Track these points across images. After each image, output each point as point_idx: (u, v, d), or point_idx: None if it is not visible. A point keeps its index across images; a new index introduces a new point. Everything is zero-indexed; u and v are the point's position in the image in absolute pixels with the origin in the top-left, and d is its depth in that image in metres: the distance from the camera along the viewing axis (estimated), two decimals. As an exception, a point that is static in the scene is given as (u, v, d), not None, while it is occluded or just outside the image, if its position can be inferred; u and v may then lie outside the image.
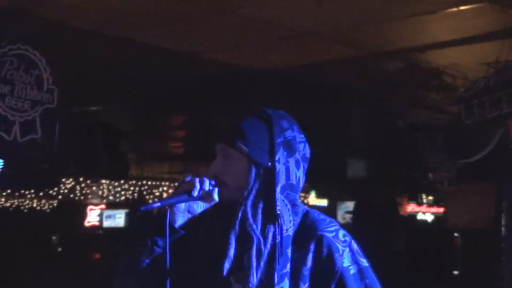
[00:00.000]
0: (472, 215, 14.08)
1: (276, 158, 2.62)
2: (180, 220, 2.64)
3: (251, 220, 2.58)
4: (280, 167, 2.62)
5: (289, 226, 2.59)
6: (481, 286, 12.29)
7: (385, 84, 10.26)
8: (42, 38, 8.36)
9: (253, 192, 2.62)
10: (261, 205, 2.61)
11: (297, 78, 10.06)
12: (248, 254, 2.56)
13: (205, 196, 2.62)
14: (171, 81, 10.38)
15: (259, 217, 2.59)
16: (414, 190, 18.64)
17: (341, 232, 2.64)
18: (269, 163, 2.62)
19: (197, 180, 2.62)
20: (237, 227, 2.59)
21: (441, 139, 9.70)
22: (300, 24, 7.96)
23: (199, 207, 2.66)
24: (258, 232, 2.58)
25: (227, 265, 2.58)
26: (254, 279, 2.55)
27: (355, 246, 2.65)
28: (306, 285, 2.56)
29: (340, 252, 2.58)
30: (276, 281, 2.52)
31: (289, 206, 2.64)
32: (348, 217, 19.14)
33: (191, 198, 2.61)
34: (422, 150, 11.25)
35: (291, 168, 2.65)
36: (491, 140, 7.51)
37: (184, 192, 2.61)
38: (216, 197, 2.64)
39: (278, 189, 2.60)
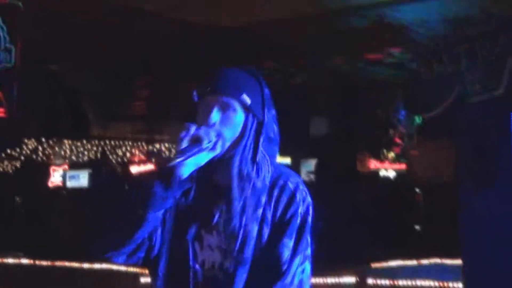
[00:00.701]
0: (433, 171, 14.25)
1: (265, 111, 2.79)
2: (186, 172, 2.68)
3: (235, 169, 2.73)
4: (267, 120, 2.79)
5: (266, 175, 2.76)
6: (443, 241, 12.43)
7: (347, 41, 10.26)
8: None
9: (247, 143, 2.77)
10: (247, 155, 2.76)
11: (260, 36, 10.02)
12: (227, 203, 2.72)
13: (211, 147, 2.69)
14: (133, 41, 10.31)
15: (245, 165, 2.75)
16: (376, 147, 18.76)
17: (301, 186, 2.80)
18: (261, 116, 2.78)
19: (202, 131, 2.68)
20: (221, 176, 2.74)
21: (400, 95, 9.76)
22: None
23: (204, 158, 2.70)
24: (237, 179, 2.73)
25: (207, 212, 2.75)
26: (235, 224, 2.71)
27: (308, 200, 2.80)
28: (268, 228, 2.73)
29: (297, 200, 2.76)
30: (243, 223, 2.71)
31: (267, 157, 2.79)
32: (311, 175, 19.21)
33: (202, 149, 2.66)
34: (382, 107, 11.31)
35: (270, 122, 2.82)
36: (449, 96, 7.56)
37: (195, 144, 2.65)
38: (219, 148, 2.72)
39: (261, 140, 2.77)
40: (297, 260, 2.75)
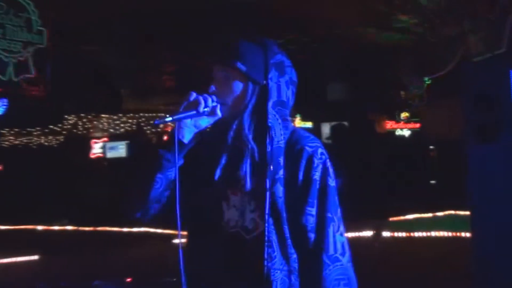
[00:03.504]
0: (444, 129, 14.14)
1: (269, 76, 2.74)
2: (187, 135, 2.71)
3: (246, 131, 2.71)
4: (272, 85, 2.73)
5: (280, 138, 2.71)
6: (455, 193, 12.36)
7: (358, 11, 10.14)
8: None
9: (249, 107, 2.73)
10: (255, 119, 2.73)
11: (274, 9, 9.93)
12: (243, 162, 2.69)
13: (210, 111, 2.69)
14: (158, 18, 10.25)
15: (253, 129, 2.72)
16: (391, 108, 18.67)
17: (320, 150, 2.74)
18: (264, 81, 2.73)
19: (201, 97, 2.67)
20: (230, 138, 2.72)
21: (409, 58, 9.64)
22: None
23: (204, 122, 2.73)
24: (252, 142, 2.70)
25: (228, 173, 2.70)
26: (249, 184, 2.68)
27: (328, 164, 2.74)
28: (288, 189, 2.68)
29: (315, 165, 2.70)
30: (268, 185, 2.64)
31: (280, 120, 2.74)
32: (332, 137, 19.18)
33: (198, 113, 2.66)
34: (394, 70, 11.20)
35: (282, 86, 2.76)
36: (454, 57, 7.45)
37: (192, 108, 2.64)
38: (219, 112, 2.72)
39: (270, 104, 2.72)
40: (331, 228, 2.70)
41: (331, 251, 2.67)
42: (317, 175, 2.70)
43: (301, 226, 2.68)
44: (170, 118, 2.65)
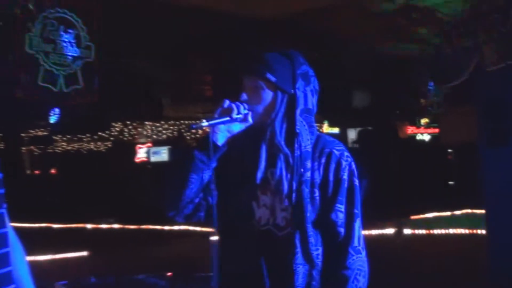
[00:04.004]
0: (461, 133, 14.03)
1: (297, 86, 2.74)
2: (221, 139, 2.70)
3: (279, 137, 2.72)
4: (299, 94, 2.74)
5: (307, 143, 2.73)
6: (472, 193, 12.28)
7: (379, 25, 10.08)
8: (78, 2, 8.34)
9: (279, 115, 2.73)
10: (285, 126, 2.73)
11: (301, 25, 9.93)
12: (275, 166, 2.71)
13: (242, 118, 2.70)
14: (196, 34, 10.29)
15: (283, 135, 2.72)
16: (411, 115, 18.59)
17: (345, 153, 2.79)
18: (292, 90, 2.72)
19: (234, 104, 2.68)
20: (264, 143, 2.73)
21: (426, 68, 9.56)
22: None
23: (237, 127, 2.73)
24: (285, 147, 2.70)
25: (260, 175, 2.71)
26: (280, 185, 2.70)
27: (353, 165, 2.79)
28: (318, 191, 2.72)
29: (343, 166, 2.75)
30: (295, 187, 2.68)
31: (306, 126, 2.76)
32: (357, 141, 19.15)
33: (231, 119, 2.68)
34: (413, 79, 11.13)
35: (308, 95, 2.77)
36: (469, 67, 7.38)
37: (226, 115, 2.65)
38: (250, 119, 2.73)
39: (298, 112, 2.72)
40: (357, 223, 2.75)
41: (356, 243, 2.71)
42: (345, 176, 2.74)
43: (331, 221, 2.71)
44: (206, 123, 2.65)
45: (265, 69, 2.74)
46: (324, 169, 2.74)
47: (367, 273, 2.74)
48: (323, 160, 2.74)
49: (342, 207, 2.73)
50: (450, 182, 17.44)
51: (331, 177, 2.73)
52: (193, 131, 22.16)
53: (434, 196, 14.65)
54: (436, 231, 11.46)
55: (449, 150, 17.65)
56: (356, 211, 2.75)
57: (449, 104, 12.51)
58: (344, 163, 2.75)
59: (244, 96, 2.76)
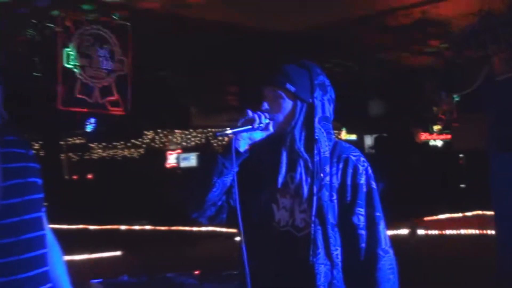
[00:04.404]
0: (472, 139, 13.92)
1: (315, 95, 2.75)
2: (243, 145, 2.71)
3: (298, 144, 2.72)
4: (317, 103, 2.75)
5: (325, 149, 2.74)
6: (482, 195, 12.22)
7: (395, 38, 10.05)
8: (111, 20, 8.40)
9: (299, 123, 2.74)
10: (304, 133, 2.74)
11: (321, 38, 9.90)
12: (296, 171, 2.71)
13: (264, 127, 2.70)
14: (220, 47, 10.30)
15: (303, 142, 2.73)
16: (424, 122, 18.48)
17: (362, 158, 2.79)
18: (310, 100, 2.73)
19: (256, 115, 2.68)
20: (285, 150, 2.74)
21: (439, 78, 9.52)
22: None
23: (258, 135, 2.73)
24: (305, 153, 2.71)
25: (280, 179, 2.72)
26: (300, 189, 2.70)
27: (370, 170, 2.79)
28: (336, 194, 2.72)
29: (360, 171, 2.74)
30: (316, 190, 2.68)
31: (324, 133, 2.76)
32: (373, 147, 19.08)
33: (253, 128, 2.68)
34: (426, 88, 11.07)
35: (325, 104, 2.78)
36: (479, 76, 7.34)
37: (248, 124, 2.66)
38: (271, 128, 2.73)
39: (316, 120, 2.73)
40: (381, 225, 2.75)
41: (383, 244, 2.71)
42: (363, 180, 2.73)
43: (352, 225, 2.70)
44: (230, 131, 2.67)
45: (285, 80, 2.75)
46: (342, 174, 2.74)
47: (396, 269, 2.74)
48: (340, 165, 2.74)
49: (362, 210, 2.72)
50: (462, 185, 17.31)
51: (348, 182, 2.72)
52: (219, 138, 22.22)
53: (446, 198, 14.55)
54: (448, 232, 11.38)
55: (461, 155, 17.53)
56: (377, 214, 2.74)
57: (461, 112, 12.41)
58: (361, 168, 2.74)
59: (265, 106, 2.76)
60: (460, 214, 13.59)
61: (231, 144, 2.69)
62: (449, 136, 20.35)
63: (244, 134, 2.71)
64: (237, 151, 2.69)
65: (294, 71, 2.79)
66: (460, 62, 7.67)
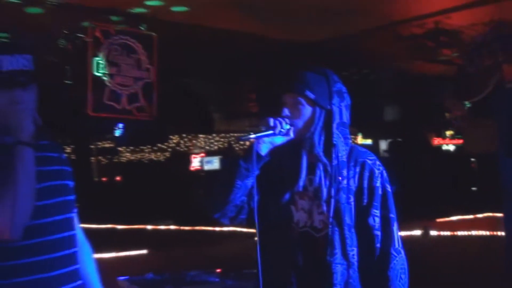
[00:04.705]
0: (483, 144, 13.84)
1: (333, 102, 2.76)
2: (264, 149, 2.71)
3: (317, 149, 2.73)
4: (335, 109, 2.75)
5: (343, 153, 2.74)
6: (493, 197, 12.16)
7: (409, 47, 10.01)
8: (138, 30, 8.45)
9: (318, 128, 2.74)
10: (322, 138, 2.74)
11: (343, 48, 9.93)
12: (315, 175, 2.72)
13: (284, 132, 2.71)
14: (241, 57, 10.33)
15: (322, 146, 2.73)
16: (437, 127, 18.41)
17: (377, 162, 2.81)
18: (328, 106, 2.74)
19: (278, 121, 2.69)
20: (304, 154, 2.74)
21: (451, 86, 9.47)
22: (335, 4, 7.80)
23: (279, 140, 2.73)
24: (324, 158, 2.72)
25: (300, 182, 2.72)
26: (325, 193, 2.71)
27: (385, 174, 2.80)
28: (354, 197, 2.73)
29: (376, 175, 2.76)
30: (333, 193, 2.70)
31: (342, 138, 2.76)
32: (388, 151, 18.99)
33: (275, 134, 2.70)
34: (439, 95, 11.02)
35: (342, 110, 2.78)
36: (490, 84, 7.30)
37: (270, 129, 2.67)
38: (291, 133, 2.74)
39: (334, 125, 2.74)
40: (395, 226, 2.77)
41: (396, 244, 2.73)
42: (378, 183, 2.75)
43: (368, 226, 2.72)
44: (253, 136, 2.68)
45: (305, 87, 2.76)
46: (359, 177, 2.75)
47: (407, 269, 2.75)
48: (357, 169, 2.75)
49: (377, 212, 2.74)
50: (473, 188, 17.18)
51: (365, 184, 2.74)
52: (241, 142, 22.24)
53: (458, 200, 14.46)
54: (460, 233, 11.30)
55: (472, 159, 17.41)
56: (391, 215, 2.76)
57: (472, 117, 12.35)
58: (376, 171, 2.76)
59: (286, 112, 2.76)
60: (471, 216, 13.48)
61: (253, 148, 2.70)
62: (461, 141, 20.25)
63: (266, 139, 2.71)
64: (259, 155, 2.71)
65: (313, 78, 2.79)
66: (471, 70, 7.62)
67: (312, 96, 2.74)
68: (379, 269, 2.72)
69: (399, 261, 2.73)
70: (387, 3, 7.98)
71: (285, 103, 2.80)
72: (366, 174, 2.75)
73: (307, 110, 2.76)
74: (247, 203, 2.77)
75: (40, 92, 2.47)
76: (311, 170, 2.74)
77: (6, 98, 2.34)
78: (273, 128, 2.68)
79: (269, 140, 2.72)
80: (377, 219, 2.74)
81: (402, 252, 2.75)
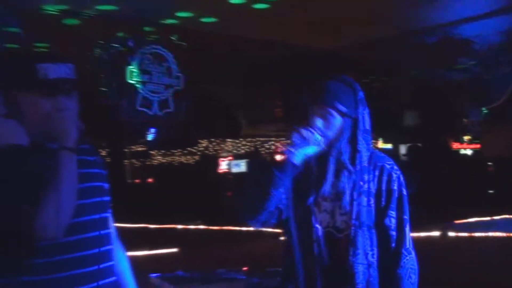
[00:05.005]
0: (500, 148, 13.72)
1: (359, 110, 2.78)
2: (299, 160, 2.72)
3: (344, 157, 2.75)
4: (360, 117, 2.78)
5: (365, 159, 2.77)
6: (509, 200, 12.07)
7: (428, 56, 9.97)
8: (169, 40, 8.51)
9: (345, 137, 2.77)
10: (349, 146, 2.77)
11: (367, 57, 9.91)
12: (340, 180, 2.75)
13: (317, 143, 2.73)
14: (266, 63, 10.35)
15: (348, 154, 2.76)
16: (456, 132, 18.26)
17: (395, 167, 2.83)
18: (354, 115, 2.77)
19: (310, 132, 2.72)
20: (333, 161, 2.76)
21: (468, 92, 9.41)
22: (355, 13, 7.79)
23: (311, 150, 2.74)
24: (350, 165, 2.74)
25: (326, 186, 2.75)
26: (347, 196, 2.73)
27: (401, 178, 2.82)
28: (374, 199, 2.76)
29: (394, 178, 2.78)
30: (356, 196, 2.72)
31: (365, 145, 2.79)
32: (409, 155, 18.85)
33: (308, 145, 2.71)
34: (457, 101, 10.94)
35: (365, 117, 2.81)
36: (506, 90, 7.24)
37: (304, 140, 2.70)
38: (323, 144, 2.76)
39: (359, 133, 2.77)
40: (407, 228, 2.79)
41: (407, 244, 2.74)
42: (395, 186, 2.76)
43: (385, 226, 2.74)
44: (292, 149, 2.70)
45: (334, 99, 2.77)
46: (377, 180, 2.77)
47: (417, 271, 2.76)
48: (376, 173, 2.77)
49: (394, 213, 2.75)
50: (490, 191, 16.98)
51: (383, 187, 2.76)
52: (266, 146, 22.22)
53: (476, 203, 14.30)
54: (477, 234, 11.18)
55: (489, 163, 17.21)
56: (405, 217, 2.77)
57: (489, 123, 12.25)
58: (394, 175, 2.77)
59: (317, 123, 2.77)
60: (488, 218, 13.33)
61: (288, 160, 2.72)
62: (478, 146, 20.05)
63: (300, 150, 2.74)
64: (293, 165, 2.73)
65: (340, 89, 2.80)
66: (488, 77, 7.57)
67: (343, 109, 2.76)
68: (390, 267, 2.74)
69: (409, 261, 2.74)
70: (408, 13, 7.96)
71: (315, 113, 2.81)
72: (385, 177, 2.77)
73: (337, 121, 2.77)
74: (277, 208, 2.79)
75: (80, 99, 2.51)
76: (336, 175, 2.76)
77: (50, 105, 2.38)
78: (307, 139, 2.72)
79: (302, 151, 2.74)
80: (393, 220, 2.76)
81: (413, 253, 2.76)
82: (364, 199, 2.72)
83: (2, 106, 2.30)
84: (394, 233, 2.74)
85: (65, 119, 2.34)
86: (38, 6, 7.45)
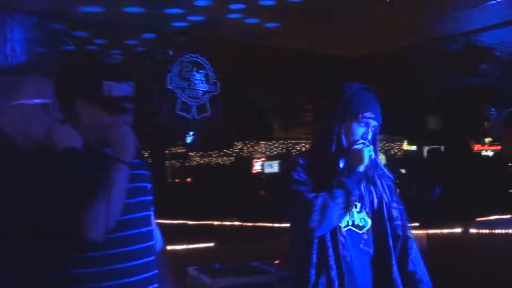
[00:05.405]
0: (520, 150, 13.54)
1: (381, 118, 2.92)
2: (361, 167, 2.86)
3: (375, 158, 2.92)
4: (380, 124, 2.94)
5: (379, 161, 2.97)
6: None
7: (447, 62, 9.88)
8: (206, 49, 8.58)
9: (377, 141, 2.96)
10: (375, 151, 2.93)
11: (391, 65, 9.87)
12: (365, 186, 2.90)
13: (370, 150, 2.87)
14: (297, 70, 10.37)
15: (377, 157, 2.95)
16: (477, 135, 18.05)
17: (391, 175, 3.07)
18: (381, 122, 2.93)
19: (368, 142, 2.86)
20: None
21: (489, 96, 9.32)
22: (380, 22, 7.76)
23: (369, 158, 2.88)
24: (381, 167, 2.94)
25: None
26: (365, 195, 2.88)
27: (394, 185, 3.04)
28: (385, 197, 2.96)
29: (391, 177, 3.03)
30: (372, 197, 2.92)
31: (378, 147, 3.02)
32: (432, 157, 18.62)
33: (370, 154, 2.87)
34: (477, 105, 10.85)
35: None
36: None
37: (367, 155, 2.83)
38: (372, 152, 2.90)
39: (378, 137, 2.96)
40: (405, 215, 2.98)
41: (410, 230, 2.97)
42: (391, 182, 3.02)
43: (392, 216, 2.93)
44: (363, 167, 2.84)
45: (379, 115, 2.92)
46: (383, 179, 2.98)
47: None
48: (379, 171, 2.96)
49: (396, 206, 2.99)
50: (510, 190, 16.73)
51: (387, 184, 2.99)
52: (297, 148, 22.16)
53: (496, 201, 14.09)
54: (498, 231, 11.01)
55: (510, 164, 16.97)
56: (402, 207, 3.03)
57: (509, 125, 12.09)
58: (387, 172, 3.01)
59: (368, 135, 2.91)
60: (508, 216, 13.12)
61: (355, 169, 2.83)
62: (498, 147, 19.76)
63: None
64: (359, 173, 2.84)
65: (376, 102, 2.92)
66: (507, 82, 7.50)
67: (380, 122, 2.88)
68: (404, 251, 2.89)
69: (415, 244, 2.93)
70: (431, 21, 7.91)
71: (367, 127, 2.92)
72: (385, 175, 2.97)
73: (374, 128, 2.91)
74: None
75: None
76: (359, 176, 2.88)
77: (110, 118, 2.40)
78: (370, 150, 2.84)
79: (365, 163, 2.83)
80: (396, 211, 2.94)
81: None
82: (379, 199, 2.90)
83: (61, 112, 2.33)
84: (399, 222, 2.92)
85: (123, 134, 2.36)
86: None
